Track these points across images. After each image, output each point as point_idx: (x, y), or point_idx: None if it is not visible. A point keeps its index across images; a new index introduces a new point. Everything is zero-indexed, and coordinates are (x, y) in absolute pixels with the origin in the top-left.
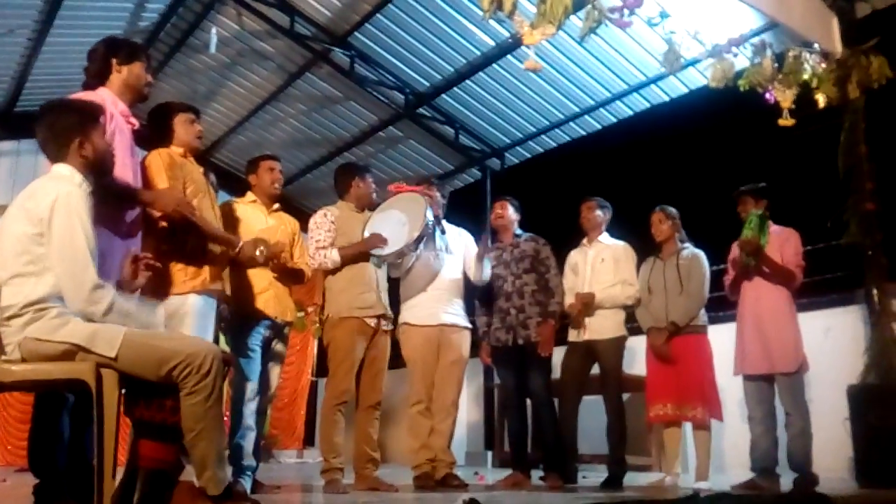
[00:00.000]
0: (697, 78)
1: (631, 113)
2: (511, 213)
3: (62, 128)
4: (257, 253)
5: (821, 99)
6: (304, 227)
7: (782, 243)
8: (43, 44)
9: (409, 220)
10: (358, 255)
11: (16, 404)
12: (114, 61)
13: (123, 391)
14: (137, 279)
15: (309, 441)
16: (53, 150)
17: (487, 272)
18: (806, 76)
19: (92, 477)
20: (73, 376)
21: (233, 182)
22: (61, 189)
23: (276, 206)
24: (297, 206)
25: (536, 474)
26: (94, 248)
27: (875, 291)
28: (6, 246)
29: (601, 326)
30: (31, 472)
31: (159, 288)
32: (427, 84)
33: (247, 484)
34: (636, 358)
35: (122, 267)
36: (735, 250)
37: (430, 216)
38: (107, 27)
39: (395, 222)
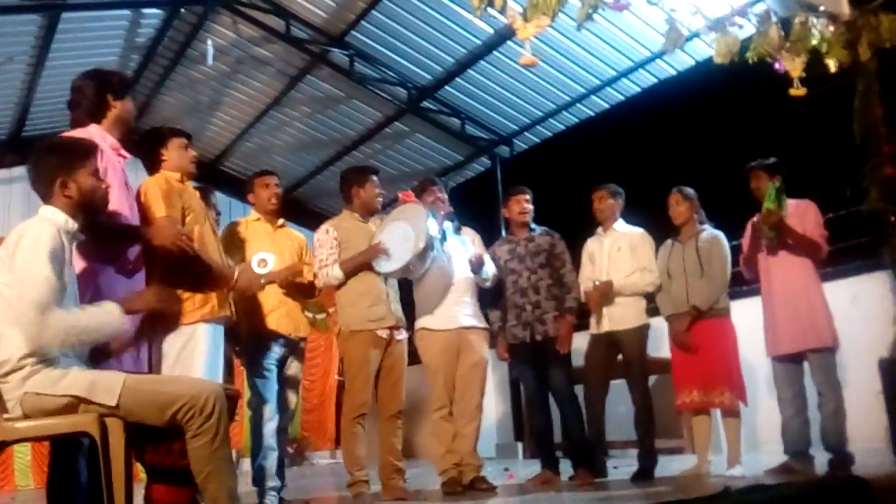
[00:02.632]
0: (704, 49)
1: (638, 90)
2: (531, 206)
3: (45, 169)
4: (261, 281)
5: (831, 64)
6: (315, 229)
7: (801, 216)
8: (43, 68)
9: (414, 234)
10: (362, 266)
11: None
12: (109, 97)
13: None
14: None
15: (340, 441)
16: (40, 191)
17: (489, 273)
18: (815, 42)
19: None
20: (77, 429)
21: (244, 188)
22: (32, 227)
23: (281, 221)
24: (310, 207)
25: (567, 464)
26: (51, 277)
27: None
28: (13, 297)
29: (622, 316)
30: None
31: (169, 319)
32: (429, 77)
33: None
34: (662, 340)
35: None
36: (750, 231)
37: (432, 229)
38: (104, 46)
39: (400, 237)
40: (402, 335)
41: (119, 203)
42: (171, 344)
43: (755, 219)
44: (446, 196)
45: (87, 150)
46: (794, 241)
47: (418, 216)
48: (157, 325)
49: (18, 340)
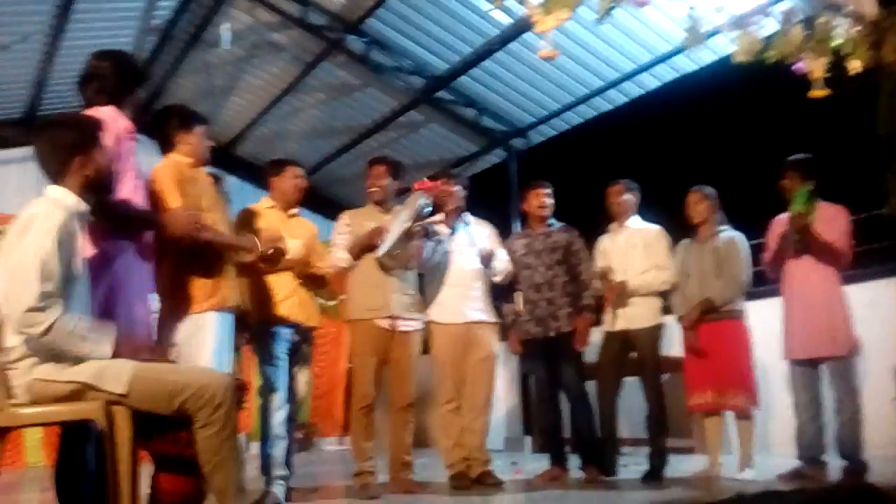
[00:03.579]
0: (726, 45)
1: (659, 84)
2: (552, 200)
3: (65, 145)
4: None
5: (855, 65)
6: (329, 216)
7: (830, 221)
8: (58, 48)
9: (407, 218)
10: (364, 247)
11: None
12: (134, 83)
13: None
14: None
15: (348, 428)
16: (54, 168)
17: (499, 268)
18: (838, 41)
19: None
20: (83, 417)
21: (258, 174)
22: (41, 209)
23: (294, 210)
24: (322, 194)
25: (575, 461)
26: (54, 269)
27: None
28: (3, 282)
29: (637, 315)
30: None
31: (179, 306)
32: (445, 66)
33: (280, 494)
34: (674, 338)
35: None
36: (776, 227)
37: (422, 206)
38: (120, 27)
39: (398, 223)
40: (410, 326)
41: (134, 189)
42: (181, 332)
43: (781, 219)
44: (461, 190)
45: (100, 128)
46: (818, 247)
47: (413, 201)
48: (170, 314)
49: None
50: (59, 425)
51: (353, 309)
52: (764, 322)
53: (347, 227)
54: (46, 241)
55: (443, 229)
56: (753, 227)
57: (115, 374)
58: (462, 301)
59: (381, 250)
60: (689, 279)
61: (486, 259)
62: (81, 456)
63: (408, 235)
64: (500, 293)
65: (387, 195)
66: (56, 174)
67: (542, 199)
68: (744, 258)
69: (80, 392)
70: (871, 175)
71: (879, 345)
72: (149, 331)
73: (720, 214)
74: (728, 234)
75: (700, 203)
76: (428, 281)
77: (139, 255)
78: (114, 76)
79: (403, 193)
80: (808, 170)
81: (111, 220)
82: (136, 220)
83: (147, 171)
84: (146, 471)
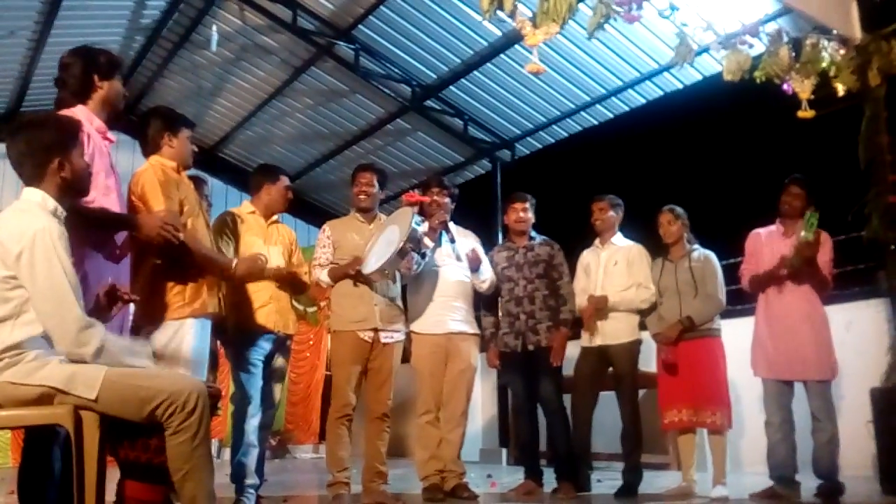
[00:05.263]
0: (712, 64)
1: (644, 101)
2: (532, 214)
3: (42, 146)
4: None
5: (840, 88)
6: (312, 222)
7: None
8: (45, 44)
9: (398, 235)
10: (345, 274)
11: None
12: (95, 77)
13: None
14: (112, 311)
15: (324, 436)
16: (29, 170)
17: (486, 275)
18: (824, 64)
19: None
20: (51, 422)
21: (242, 177)
22: (36, 225)
23: (275, 217)
24: (307, 199)
25: (550, 474)
26: (77, 285)
27: None
28: (43, 305)
29: (615, 330)
30: None
31: (157, 310)
32: (434, 76)
33: (250, 502)
34: (650, 354)
35: (97, 297)
36: (753, 240)
37: (416, 227)
38: (108, 25)
39: (386, 239)
40: (392, 338)
41: (105, 189)
42: (158, 338)
43: (759, 233)
44: (449, 200)
45: (78, 129)
46: (813, 275)
47: (404, 218)
48: (147, 318)
49: (1, 336)
50: (27, 427)
51: (336, 320)
52: (736, 341)
53: (329, 240)
54: (66, 257)
55: (427, 241)
56: (730, 244)
57: (86, 379)
58: (444, 312)
59: (369, 268)
60: (665, 298)
61: (475, 263)
62: (47, 459)
63: (400, 254)
64: (479, 304)
65: (373, 204)
66: (32, 176)
67: (519, 213)
68: (720, 276)
69: (48, 396)
70: (853, 197)
71: (856, 366)
72: (122, 334)
73: (690, 234)
74: (701, 252)
75: (673, 224)
76: (411, 292)
77: (109, 257)
78: (81, 73)
79: (388, 202)
80: (812, 192)
81: (83, 221)
82: (106, 222)
83: (129, 171)
84: (112, 476)
